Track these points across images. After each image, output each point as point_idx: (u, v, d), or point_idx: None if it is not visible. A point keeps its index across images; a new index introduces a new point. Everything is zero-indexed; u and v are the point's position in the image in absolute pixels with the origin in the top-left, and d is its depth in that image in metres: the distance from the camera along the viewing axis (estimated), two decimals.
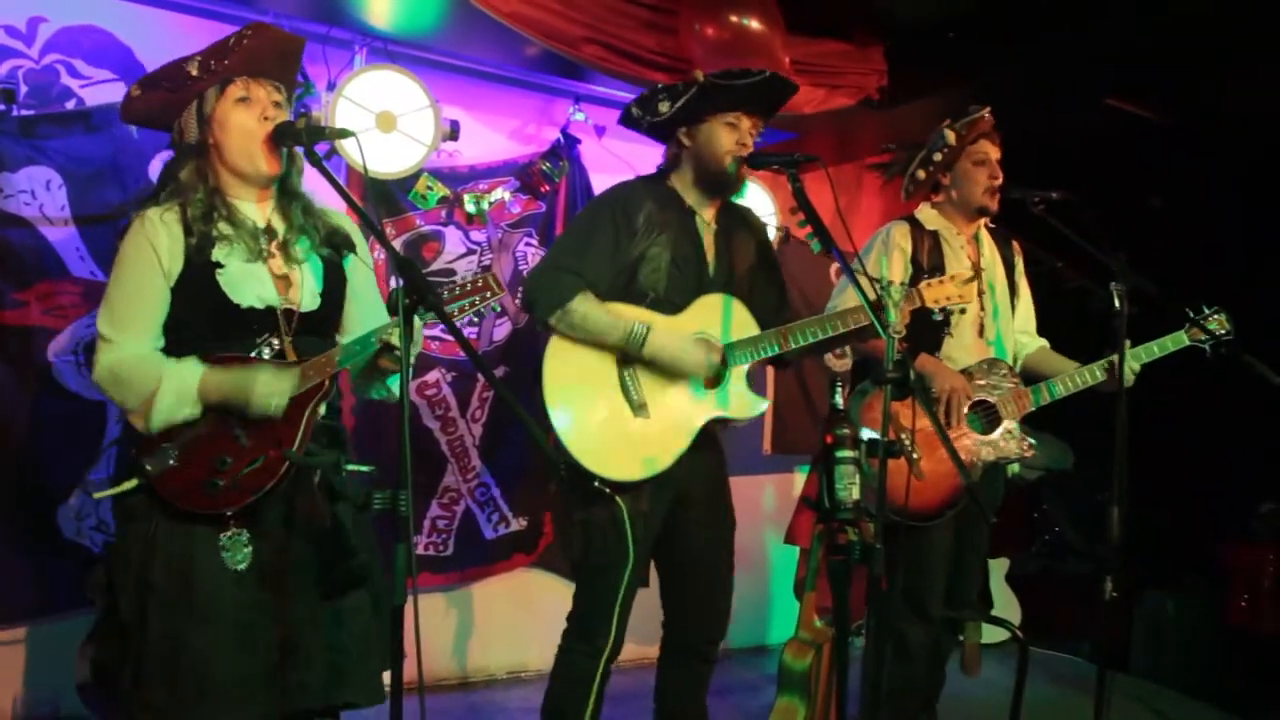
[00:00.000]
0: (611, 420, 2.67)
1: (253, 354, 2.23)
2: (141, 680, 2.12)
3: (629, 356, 2.69)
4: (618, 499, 2.58)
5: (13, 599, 3.36)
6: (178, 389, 2.15)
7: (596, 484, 2.59)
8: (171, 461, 2.16)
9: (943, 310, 2.83)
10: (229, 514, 2.15)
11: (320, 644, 2.22)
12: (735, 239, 2.91)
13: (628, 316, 2.67)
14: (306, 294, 2.31)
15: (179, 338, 2.23)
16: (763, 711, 3.66)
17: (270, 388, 2.16)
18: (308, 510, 2.24)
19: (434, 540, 4.26)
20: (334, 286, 2.38)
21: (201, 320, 2.22)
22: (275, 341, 2.25)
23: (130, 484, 2.19)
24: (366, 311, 2.44)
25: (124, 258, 2.23)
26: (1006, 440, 3.20)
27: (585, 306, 2.65)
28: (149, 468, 2.16)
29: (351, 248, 2.44)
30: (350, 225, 2.51)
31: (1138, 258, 3.07)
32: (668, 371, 2.70)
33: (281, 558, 2.21)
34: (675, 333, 2.69)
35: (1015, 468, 3.40)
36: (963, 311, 3.03)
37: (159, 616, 2.12)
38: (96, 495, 2.31)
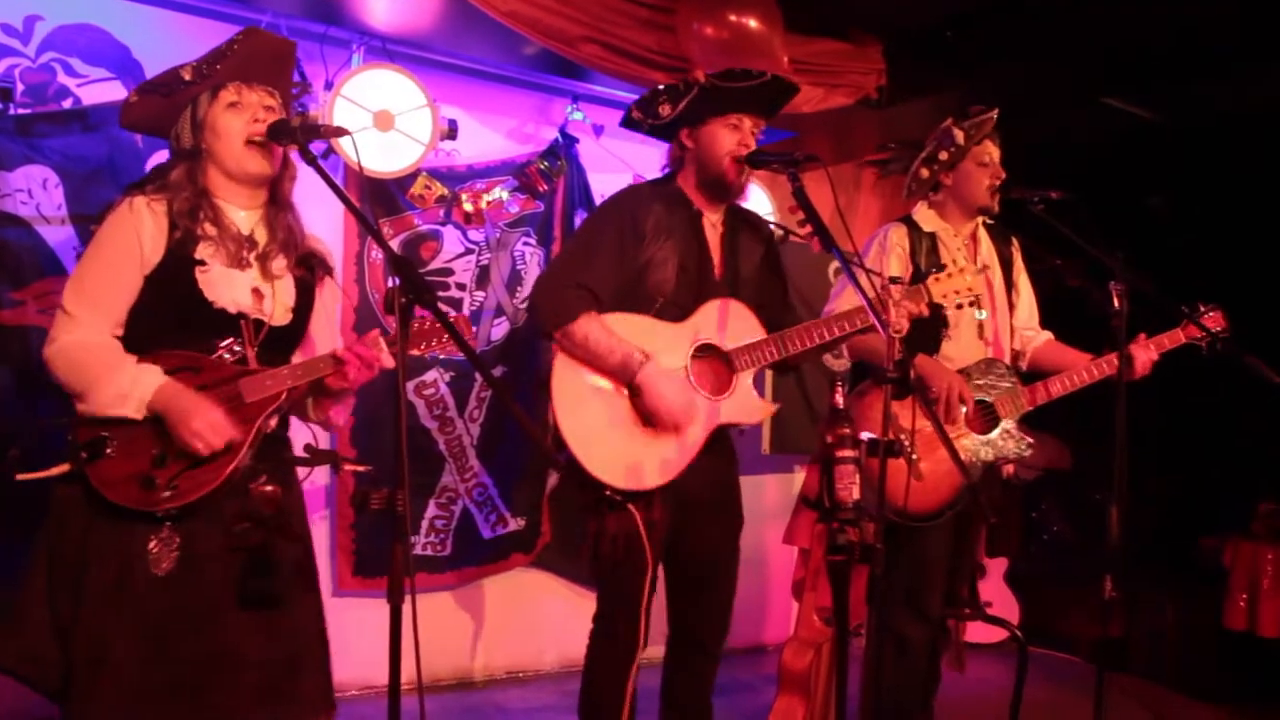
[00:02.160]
0: (622, 430, 2.67)
1: (213, 355, 2.22)
2: (70, 681, 2.09)
3: None
4: (630, 507, 2.58)
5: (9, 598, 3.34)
6: (131, 386, 2.11)
7: (608, 493, 2.60)
8: (109, 450, 2.12)
9: (956, 305, 2.79)
10: (159, 514, 2.11)
11: (251, 658, 2.18)
12: (742, 241, 2.90)
13: (628, 342, 2.65)
14: (279, 308, 2.32)
15: (141, 329, 2.20)
16: (762, 711, 3.65)
17: (206, 423, 2.11)
18: (243, 519, 2.20)
19: (432, 540, 4.25)
20: (304, 306, 2.39)
21: (170, 313, 2.21)
22: (238, 348, 2.24)
23: (61, 469, 2.14)
24: (327, 338, 2.45)
25: (104, 237, 2.22)
26: (1005, 439, 3.20)
27: (587, 329, 2.65)
28: (84, 454, 2.11)
29: (328, 271, 2.46)
30: (327, 250, 2.52)
31: (1136, 257, 3.07)
32: (676, 378, 2.69)
33: (213, 567, 2.17)
34: (666, 375, 2.66)
35: (1009, 469, 3.39)
36: (973, 304, 3.02)
37: (90, 616, 2.09)
38: (20, 477, 2.22)
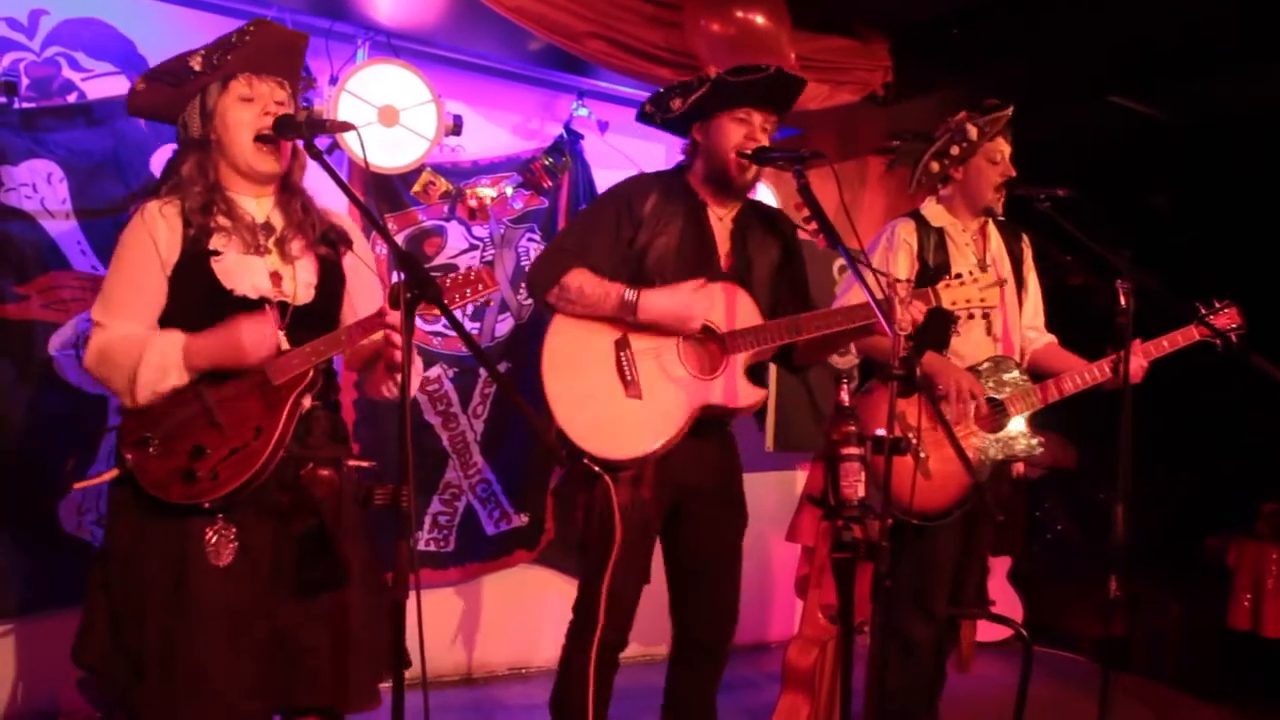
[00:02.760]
0: (602, 398, 2.69)
1: None
2: (139, 676, 2.12)
3: (626, 337, 2.71)
4: (606, 478, 2.59)
5: (12, 592, 3.34)
6: (161, 356, 2.14)
7: (585, 460, 2.62)
8: (151, 450, 2.14)
9: (968, 315, 2.77)
10: (207, 505, 2.12)
11: (303, 644, 2.21)
12: (755, 237, 2.89)
13: (619, 284, 2.69)
14: (301, 288, 2.31)
15: (171, 327, 2.22)
16: (766, 709, 3.65)
17: (257, 332, 2.16)
18: (295, 505, 2.23)
19: (435, 536, 4.25)
20: (330, 282, 2.38)
21: (196, 308, 2.21)
22: None
23: (110, 474, 2.19)
24: (364, 309, 2.41)
25: (122, 248, 2.25)
26: (1015, 438, 3.18)
27: (580, 280, 2.70)
28: (129, 456, 2.14)
29: (349, 244, 2.45)
30: (349, 223, 2.51)
31: (1140, 255, 3.06)
32: (665, 352, 2.70)
33: (268, 554, 2.20)
34: (663, 289, 2.69)
35: (1019, 469, 3.38)
36: (985, 317, 3.00)
37: (154, 613, 2.12)
38: (76, 485, 2.32)
